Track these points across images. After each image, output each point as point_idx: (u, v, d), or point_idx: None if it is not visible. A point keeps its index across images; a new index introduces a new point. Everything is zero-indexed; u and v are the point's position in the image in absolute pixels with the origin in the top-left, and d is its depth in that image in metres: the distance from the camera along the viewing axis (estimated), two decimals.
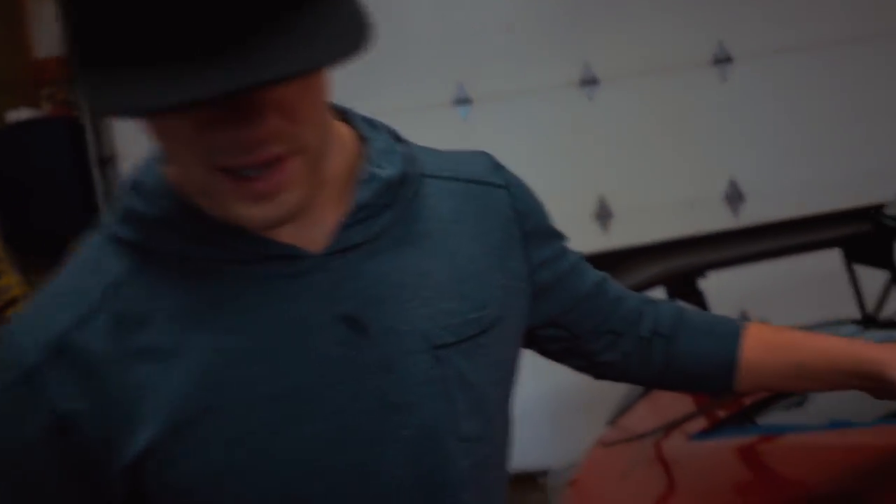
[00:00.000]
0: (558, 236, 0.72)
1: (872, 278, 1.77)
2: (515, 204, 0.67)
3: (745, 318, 2.33)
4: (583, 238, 1.01)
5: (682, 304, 0.86)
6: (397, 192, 0.58)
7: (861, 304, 1.76)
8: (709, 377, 0.76)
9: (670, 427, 1.34)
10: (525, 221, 0.67)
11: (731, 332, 0.76)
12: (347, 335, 0.55)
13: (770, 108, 2.65)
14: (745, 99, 2.66)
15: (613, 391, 1.48)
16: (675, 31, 2.63)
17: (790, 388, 0.96)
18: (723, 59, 2.65)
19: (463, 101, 2.71)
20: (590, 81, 2.69)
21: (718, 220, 2.55)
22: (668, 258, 1.73)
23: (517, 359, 0.68)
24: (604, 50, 2.68)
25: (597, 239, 2.59)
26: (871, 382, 0.70)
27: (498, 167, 0.68)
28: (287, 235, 0.53)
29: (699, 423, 1.33)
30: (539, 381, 1.78)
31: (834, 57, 2.60)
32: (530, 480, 2.62)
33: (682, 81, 2.67)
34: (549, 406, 2.64)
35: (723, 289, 1.99)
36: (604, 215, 2.73)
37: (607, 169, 2.71)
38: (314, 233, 0.55)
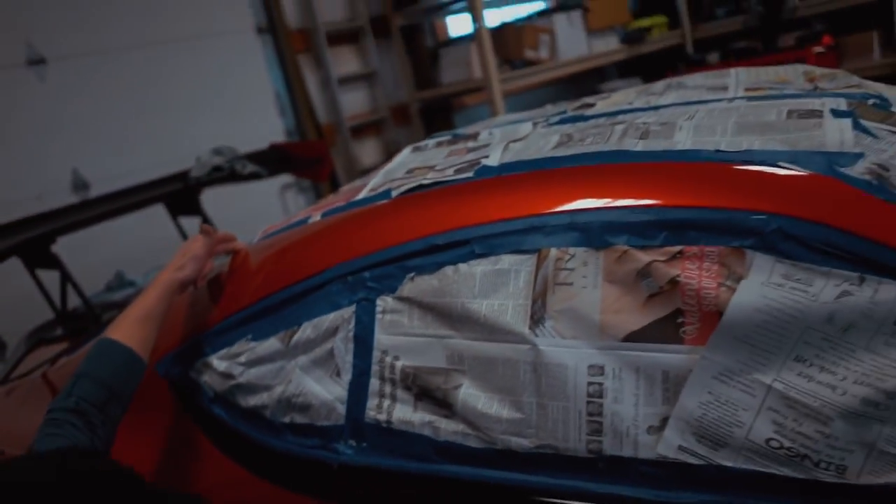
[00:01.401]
0: None
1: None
2: None
3: (121, 278, 2.70)
4: None
5: None
6: None
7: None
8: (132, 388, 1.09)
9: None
10: None
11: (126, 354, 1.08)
12: None
13: (92, 104, 3.02)
14: (66, 96, 2.96)
15: None
16: None
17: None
18: (36, 61, 2.88)
19: None
20: None
21: None
22: (19, 233, 1.93)
23: None
24: None
25: None
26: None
27: None
28: None
29: None
30: None
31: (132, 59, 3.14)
32: None
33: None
34: None
35: (104, 257, 2.31)
36: None
37: None
38: None
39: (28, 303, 2.36)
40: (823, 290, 0.77)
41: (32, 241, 1.86)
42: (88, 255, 2.35)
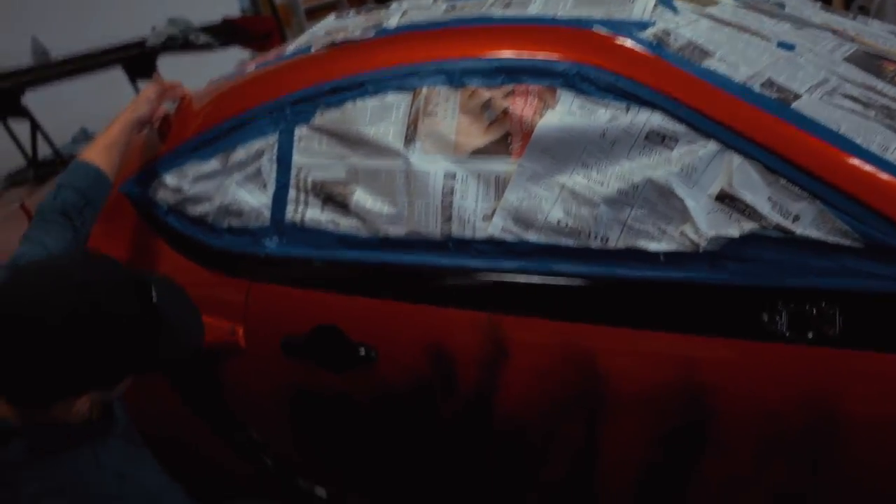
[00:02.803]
0: None
1: None
2: None
3: (85, 132, 2.93)
4: None
5: None
6: None
7: None
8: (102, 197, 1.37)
9: None
10: None
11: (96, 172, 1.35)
12: None
13: None
14: None
15: None
16: None
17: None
18: None
19: None
20: None
21: None
22: None
23: None
24: None
25: None
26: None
27: None
28: None
29: None
30: None
31: None
32: None
33: None
34: None
35: (69, 117, 2.52)
36: None
37: None
38: None
39: None
40: (602, 115, 1.09)
41: (3, 92, 2.08)
42: (56, 112, 2.57)
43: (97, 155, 1.39)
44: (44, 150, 2.39)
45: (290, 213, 1.35)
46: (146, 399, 1.53)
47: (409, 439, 1.35)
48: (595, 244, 1.11)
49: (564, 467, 1.22)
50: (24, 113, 2.15)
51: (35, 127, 2.21)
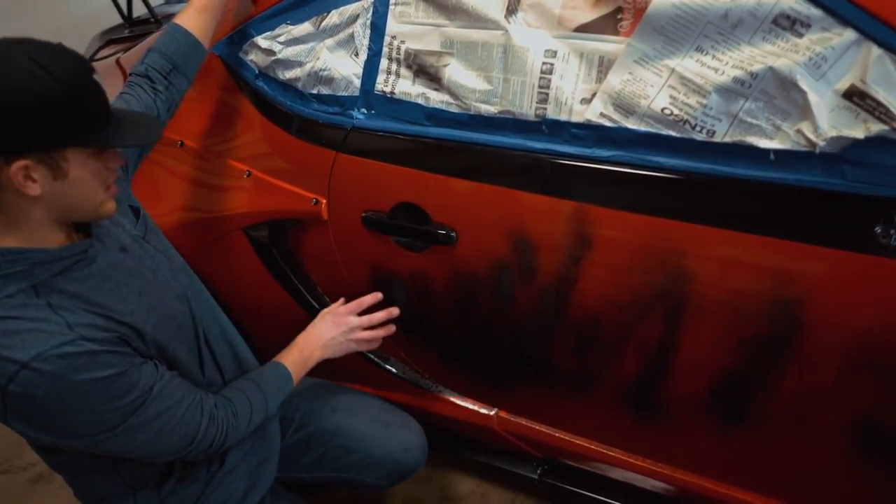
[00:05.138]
0: None
1: None
2: None
3: None
4: None
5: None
6: None
7: None
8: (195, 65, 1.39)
9: None
10: None
11: (187, 36, 1.36)
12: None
13: None
14: None
15: None
16: None
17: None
18: None
19: None
20: None
21: None
22: None
23: None
24: None
25: None
26: None
27: None
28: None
29: None
30: None
31: None
32: None
33: None
34: None
35: None
36: None
37: None
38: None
39: (95, 21, 2.64)
40: None
41: None
42: None
43: (188, 18, 1.38)
44: (139, 10, 2.40)
45: (381, 84, 1.32)
46: (231, 261, 1.58)
47: (482, 323, 1.36)
48: (700, 137, 1.04)
49: (637, 365, 1.21)
50: None
51: None
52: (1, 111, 0.85)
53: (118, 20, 2.44)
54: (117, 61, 1.90)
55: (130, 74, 1.36)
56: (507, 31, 1.15)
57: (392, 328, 1.41)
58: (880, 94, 0.91)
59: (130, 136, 0.98)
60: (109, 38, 2.29)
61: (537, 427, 1.46)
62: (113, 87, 1.72)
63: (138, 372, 0.99)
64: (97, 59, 2.11)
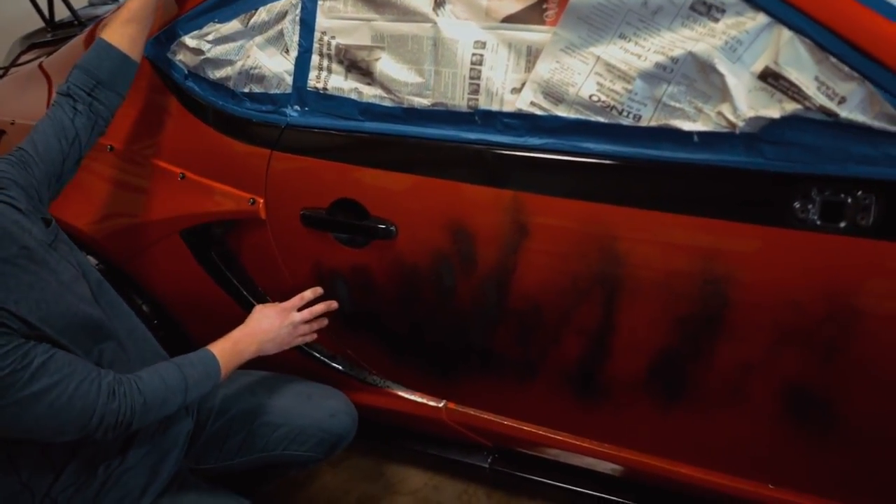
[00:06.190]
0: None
1: None
2: None
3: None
4: None
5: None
6: None
7: None
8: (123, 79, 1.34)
9: None
10: None
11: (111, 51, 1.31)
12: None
13: None
14: None
15: None
16: None
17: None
18: None
19: None
20: None
21: None
22: None
23: None
24: None
25: None
26: None
27: None
28: None
29: None
30: None
31: None
32: None
33: None
34: None
35: None
36: None
37: None
38: None
39: (15, 24, 2.55)
40: None
41: None
42: None
43: (113, 31, 1.35)
44: (61, 13, 2.33)
45: (313, 80, 1.31)
46: (168, 265, 1.55)
47: (426, 316, 1.37)
48: (627, 122, 1.07)
49: (577, 349, 1.23)
50: None
51: None
52: None
53: (39, 24, 2.36)
54: (40, 65, 1.84)
55: (56, 94, 1.33)
56: (435, 23, 1.16)
57: (325, 321, 1.40)
58: (792, 75, 0.95)
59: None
60: (31, 43, 2.21)
61: (485, 416, 1.48)
62: (38, 92, 1.67)
63: (13, 348, 1.00)
64: (18, 64, 2.04)
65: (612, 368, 1.23)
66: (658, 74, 1.03)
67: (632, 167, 1.08)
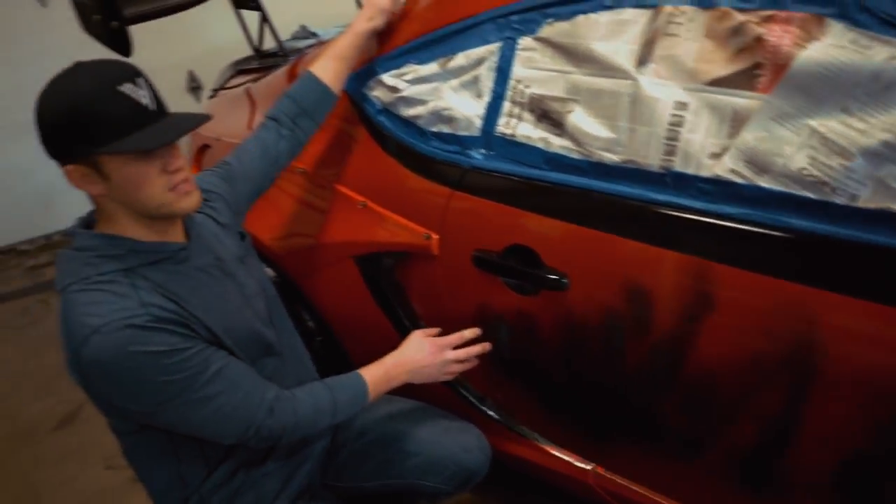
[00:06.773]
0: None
1: None
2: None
3: (305, 29, 3.06)
4: None
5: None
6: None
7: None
8: (323, 110, 1.46)
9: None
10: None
11: (317, 84, 1.44)
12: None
13: None
14: None
15: None
16: None
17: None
18: None
19: None
20: None
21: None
22: None
23: None
24: None
25: None
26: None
27: None
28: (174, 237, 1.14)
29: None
30: None
31: None
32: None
33: None
34: None
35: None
36: None
37: None
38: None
39: (220, 54, 2.80)
40: (878, 53, 0.94)
41: None
42: (280, 9, 2.68)
43: (322, 66, 1.45)
44: (268, 43, 2.53)
45: (502, 125, 1.32)
46: (339, 286, 1.62)
47: (587, 374, 1.33)
48: (840, 200, 0.99)
49: (754, 435, 1.14)
50: (256, 6, 2.27)
51: (264, 19, 2.34)
52: (44, 124, 1.01)
53: (248, 51, 2.58)
54: (247, 90, 2.00)
55: (265, 118, 1.45)
56: (636, 80, 1.14)
57: (476, 362, 1.40)
58: None
59: (148, 139, 1.03)
60: (240, 68, 2.42)
61: (635, 488, 1.40)
62: (242, 114, 1.81)
63: (197, 352, 1.08)
64: (228, 87, 2.24)
65: (791, 462, 1.12)
66: (884, 153, 0.94)
67: (840, 248, 0.99)
